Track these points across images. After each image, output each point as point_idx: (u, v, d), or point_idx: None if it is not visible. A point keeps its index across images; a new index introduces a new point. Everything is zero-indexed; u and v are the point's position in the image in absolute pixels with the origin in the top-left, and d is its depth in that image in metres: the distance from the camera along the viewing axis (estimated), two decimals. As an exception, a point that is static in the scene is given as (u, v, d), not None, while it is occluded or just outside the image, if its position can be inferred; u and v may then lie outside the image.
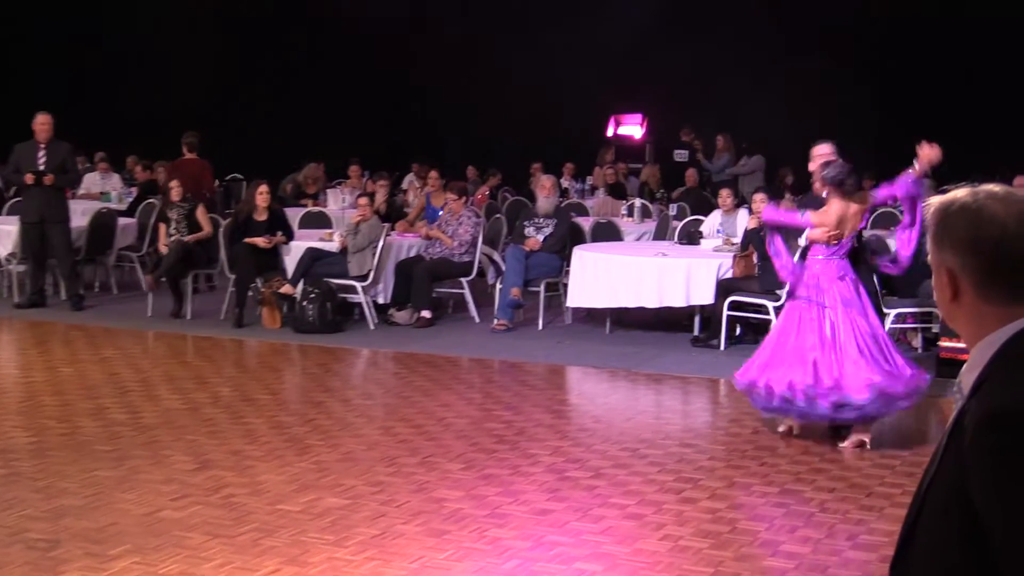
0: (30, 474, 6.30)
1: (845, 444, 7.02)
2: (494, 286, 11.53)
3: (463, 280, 11.43)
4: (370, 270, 10.99)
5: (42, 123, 11.85)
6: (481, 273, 11.75)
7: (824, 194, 7.10)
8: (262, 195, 11.28)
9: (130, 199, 15.46)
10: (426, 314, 11.09)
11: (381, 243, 11.05)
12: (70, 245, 12.02)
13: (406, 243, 11.68)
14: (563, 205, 13.17)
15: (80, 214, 12.69)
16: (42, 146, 11.83)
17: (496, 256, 11.95)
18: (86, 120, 17.42)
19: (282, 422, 7.51)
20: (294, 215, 13.06)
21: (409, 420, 7.61)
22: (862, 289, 7.05)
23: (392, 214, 12.99)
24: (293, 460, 6.62)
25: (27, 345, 10.40)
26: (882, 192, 6.96)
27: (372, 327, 10.98)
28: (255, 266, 11.02)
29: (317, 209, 14.32)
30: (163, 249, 11.60)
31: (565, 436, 7.28)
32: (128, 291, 12.73)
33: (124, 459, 6.60)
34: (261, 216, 11.26)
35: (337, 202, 14.89)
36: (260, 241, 11.09)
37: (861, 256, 7.26)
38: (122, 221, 13.31)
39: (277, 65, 21.55)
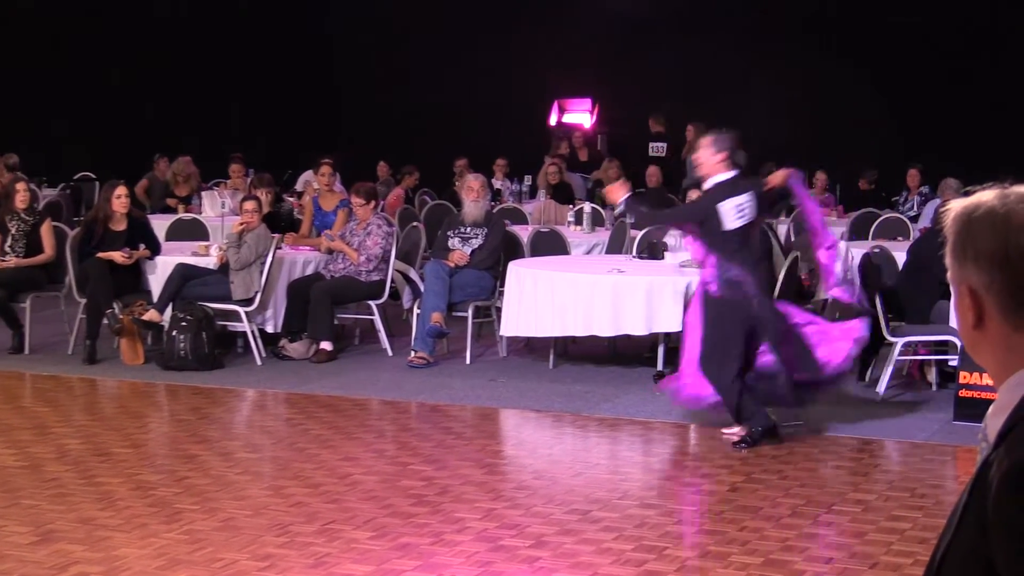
0: None
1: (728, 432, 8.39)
2: (410, 311, 11.52)
3: (372, 304, 11.41)
4: (257, 292, 10.94)
5: None
6: (394, 295, 11.73)
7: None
8: (119, 199, 11.19)
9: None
10: (326, 346, 11.05)
11: (270, 258, 11.01)
12: None
13: (301, 258, 11.64)
14: (495, 211, 13.19)
15: None
16: None
17: (413, 274, 11.93)
18: None
19: (145, 482, 7.42)
20: (160, 223, 12.97)
21: (305, 477, 7.56)
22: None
23: (281, 223, 12.91)
24: (159, 529, 6.54)
25: None
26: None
27: (259, 362, 10.93)
28: (112, 287, 10.92)
29: (189, 216, 14.24)
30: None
31: (499, 496, 7.27)
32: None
33: (-55, 530, 6.49)
34: (119, 225, 11.18)
35: (214, 207, 14.80)
36: (117, 256, 11.00)
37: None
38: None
39: (140, 36, 21.42)
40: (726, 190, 8.21)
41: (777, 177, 8.38)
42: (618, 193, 8.63)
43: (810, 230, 8.70)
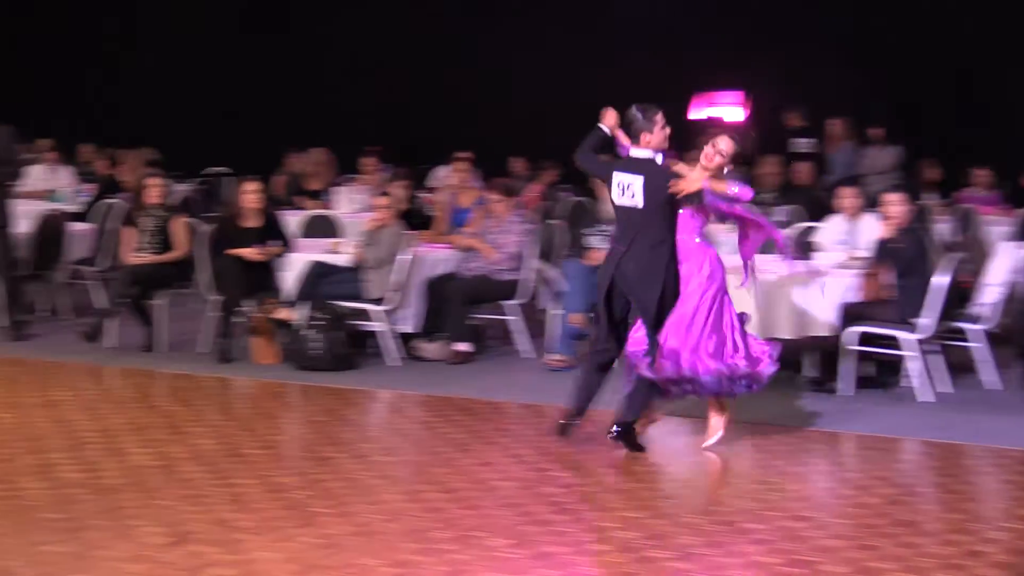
0: (-40, 548, 6.34)
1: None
2: (549, 312, 11.51)
3: (509, 304, 11.42)
4: (391, 291, 11.01)
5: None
6: (531, 295, 11.73)
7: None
8: (251, 195, 11.33)
9: (86, 199, 15.60)
10: (462, 347, 11.08)
11: (405, 256, 11.07)
12: (9, 257, 12.12)
13: (436, 257, 11.68)
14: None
15: (22, 217, 12.79)
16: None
17: (552, 273, 11.93)
18: (30, 99, 17.66)
19: (279, 484, 7.50)
20: (293, 220, 13.10)
21: (441, 483, 7.59)
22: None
23: (416, 220, 12.97)
24: (293, 533, 6.61)
25: (-45, 384, 10.51)
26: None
27: (394, 362, 11.00)
28: (244, 285, 11.07)
29: (322, 212, 14.35)
30: (131, 261, 11.64)
31: (643, 505, 7.23)
32: (83, 316, 12.81)
33: (79, 530, 6.61)
34: (251, 221, 11.31)
35: (348, 203, 14.93)
36: (250, 252, 11.14)
37: None
38: (75, 227, 13.42)
39: (271, 35, 21.70)
40: (624, 163, 8.36)
41: (688, 183, 8.07)
42: (695, 182, 8.25)
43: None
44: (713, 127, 9.03)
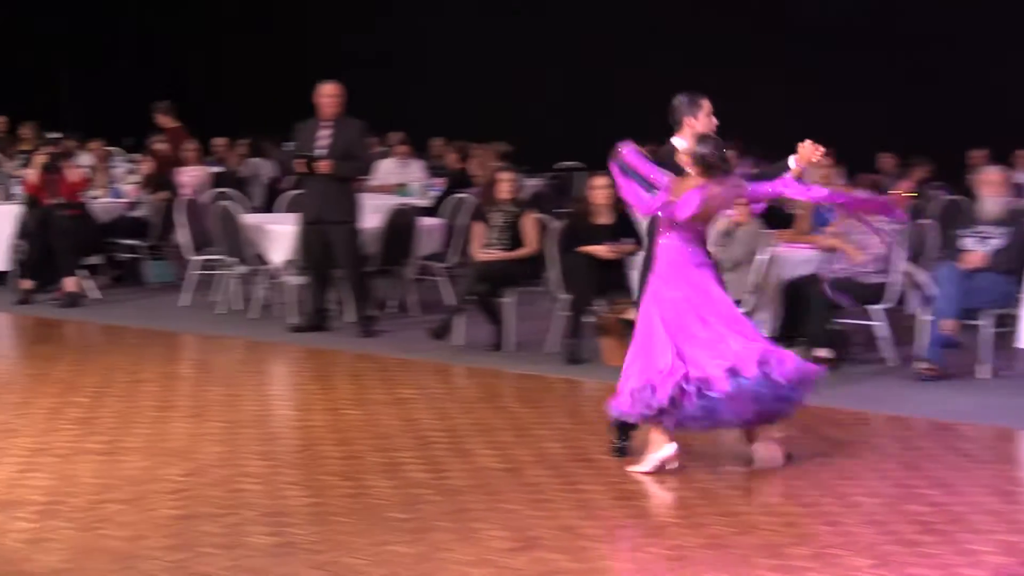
0: (307, 545, 6.59)
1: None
2: (919, 317, 11.23)
3: (874, 308, 11.19)
4: (748, 293, 10.93)
5: (328, 95, 12.40)
6: (899, 299, 11.47)
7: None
8: (602, 190, 11.40)
9: (436, 193, 16.02)
10: (825, 353, 10.91)
11: (764, 257, 10.97)
12: (358, 252, 12.53)
13: (797, 257, 11.54)
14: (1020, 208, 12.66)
15: (372, 212, 13.15)
16: (326, 124, 12.38)
17: (922, 276, 11.64)
18: (379, 92, 18.23)
19: (628, 491, 7.55)
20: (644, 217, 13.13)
21: (798, 496, 7.51)
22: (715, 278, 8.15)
23: (776, 218, 12.82)
24: (642, 543, 6.64)
25: (305, 379, 10.94)
26: (762, 188, 8.17)
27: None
28: (595, 284, 11.17)
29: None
30: (480, 257, 11.90)
31: (1018, 527, 7.00)
32: (432, 312, 13.15)
33: (424, 531, 6.80)
34: (603, 218, 11.40)
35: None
36: (601, 250, 11.22)
37: None
38: (425, 222, 13.78)
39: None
40: None
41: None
42: None
43: None
44: None
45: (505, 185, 12.09)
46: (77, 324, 13.28)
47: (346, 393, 10.07)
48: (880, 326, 11.24)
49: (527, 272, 11.95)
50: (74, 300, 14.02)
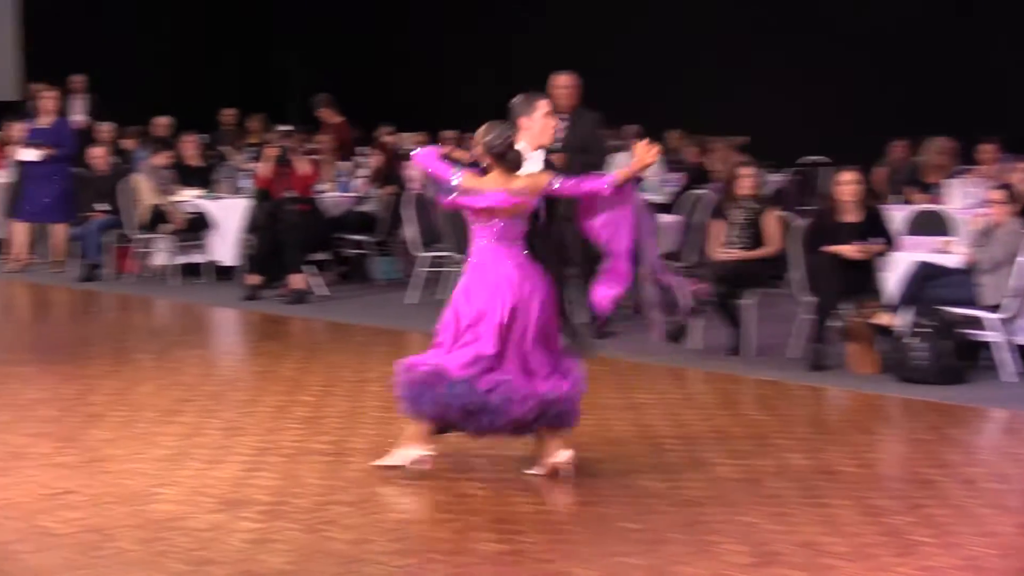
0: (535, 553, 6.62)
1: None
2: None
3: None
4: (1009, 297, 10.67)
5: (563, 86, 12.47)
6: None
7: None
8: (848, 186, 11.24)
9: (673, 188, 15.97)
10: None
11: (1025, 258, 10.73)
12: (589, 250, 12.53)
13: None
14: None
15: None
16: (562, 117, 12.41)
17: None
18: (613, 84, 18.24)
19: (875, 507, 7.42)
20: (898, 214, 12.92)
21: (1063, 517, 7.30)
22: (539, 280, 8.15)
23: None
24: (890, 562, 6.52)
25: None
26: (582, 185, 8.32)
27: (1010, 378, 10.66)
28: (842, 285, 11.02)
29: (932, 207, 14.07)
30: (719, 257, 11.83)
31: None
32: (667, 314, 13.08)
33: (657, 543, 6.78)
34: (850, 216, 11.24)
35: (962, 197, 14.55)
36: (849, 250, 11.07)
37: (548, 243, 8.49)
38: (662, 218, 13.75)
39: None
40: None
41: None
42: None
43: None
44: None
45: (746, 180, 11.99)
46: (303, 321, 13.59)
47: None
48: None
49: (769, 272, 11.86)
50: (301, 297, 14.35)
